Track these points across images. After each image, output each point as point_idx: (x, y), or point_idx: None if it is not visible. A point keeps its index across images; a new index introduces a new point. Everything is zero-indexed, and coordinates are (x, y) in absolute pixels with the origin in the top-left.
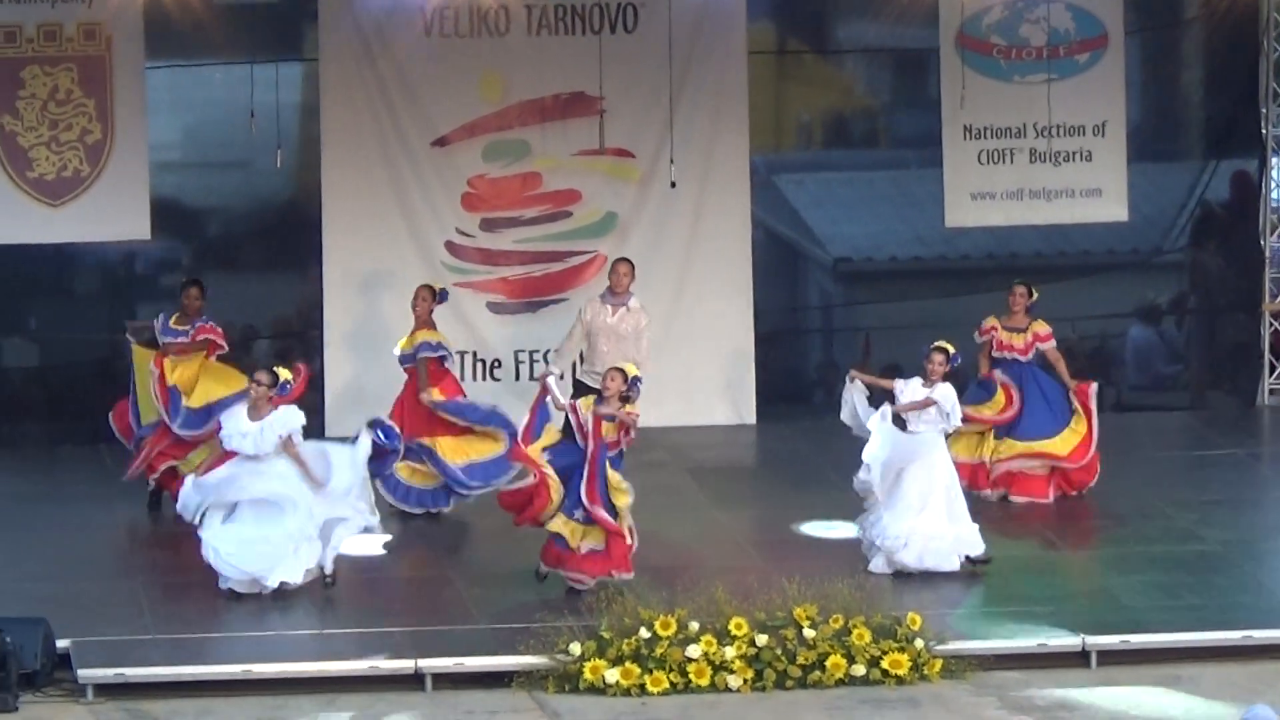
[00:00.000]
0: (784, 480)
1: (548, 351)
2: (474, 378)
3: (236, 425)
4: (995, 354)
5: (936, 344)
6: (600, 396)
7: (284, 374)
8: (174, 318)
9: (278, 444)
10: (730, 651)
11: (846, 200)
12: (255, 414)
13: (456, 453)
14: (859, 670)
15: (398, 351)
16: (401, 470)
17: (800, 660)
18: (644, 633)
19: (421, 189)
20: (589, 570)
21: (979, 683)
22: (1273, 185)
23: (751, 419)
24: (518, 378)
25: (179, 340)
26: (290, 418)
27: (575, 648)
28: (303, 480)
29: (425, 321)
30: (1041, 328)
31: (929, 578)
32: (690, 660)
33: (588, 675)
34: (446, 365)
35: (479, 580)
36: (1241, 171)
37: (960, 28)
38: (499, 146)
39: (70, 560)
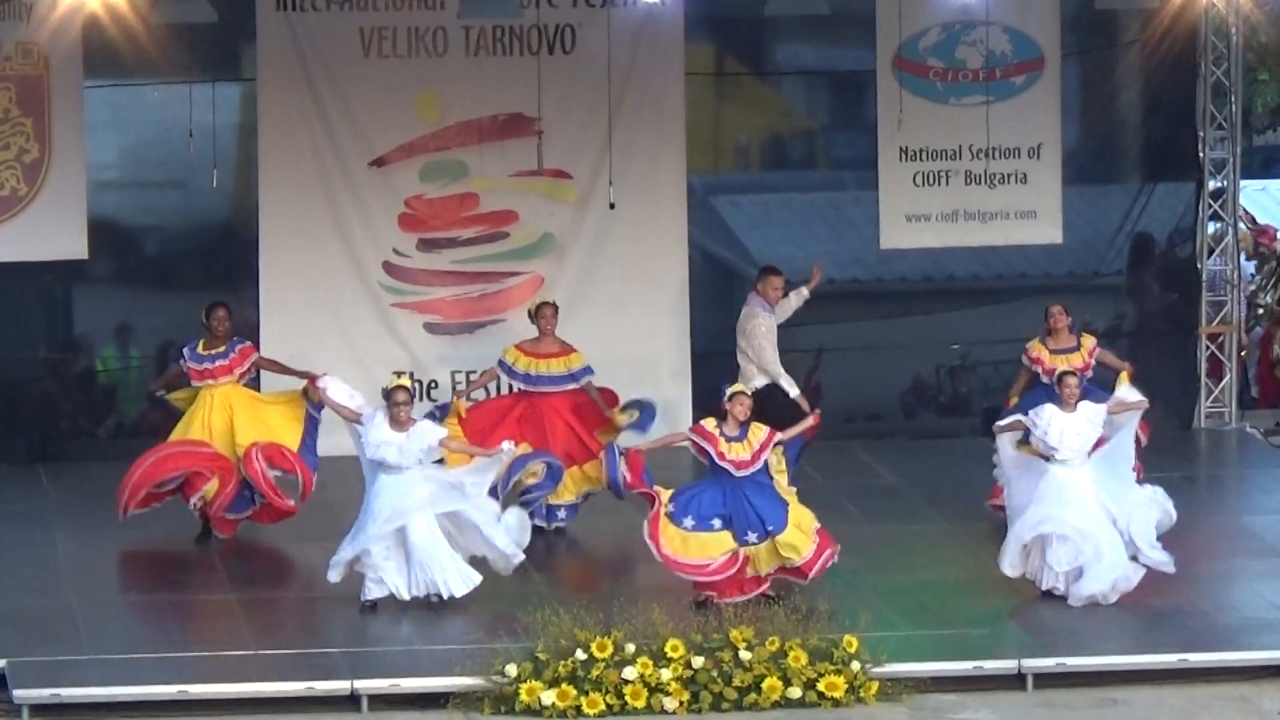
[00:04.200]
0: None
1: (483, 372)
2: None
3: (380, 435)
4: (1046, 380)
5: (1070, 369)
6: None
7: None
8: (201, 344)
9: (420, 456)
10: (666, 674)
11: (783, 221)
12: (399, 426)
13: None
14: (795, 693)
15: (536, 371)
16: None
17: (736, 682)
18: (580, 654)
19: (359, 209)
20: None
21: (915, 705)
22: (1207, 208)
23: None
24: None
25: (218, 364)
26: (432, 432)
27: (511, 669)
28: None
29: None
30: (1090, 340)
31: (865, 597)
32: (626, 682)
33: (524, 697)
34: None
35: (415, 600)
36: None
37: (897, 50)
38: (436, 167)
39: (6, 580)
